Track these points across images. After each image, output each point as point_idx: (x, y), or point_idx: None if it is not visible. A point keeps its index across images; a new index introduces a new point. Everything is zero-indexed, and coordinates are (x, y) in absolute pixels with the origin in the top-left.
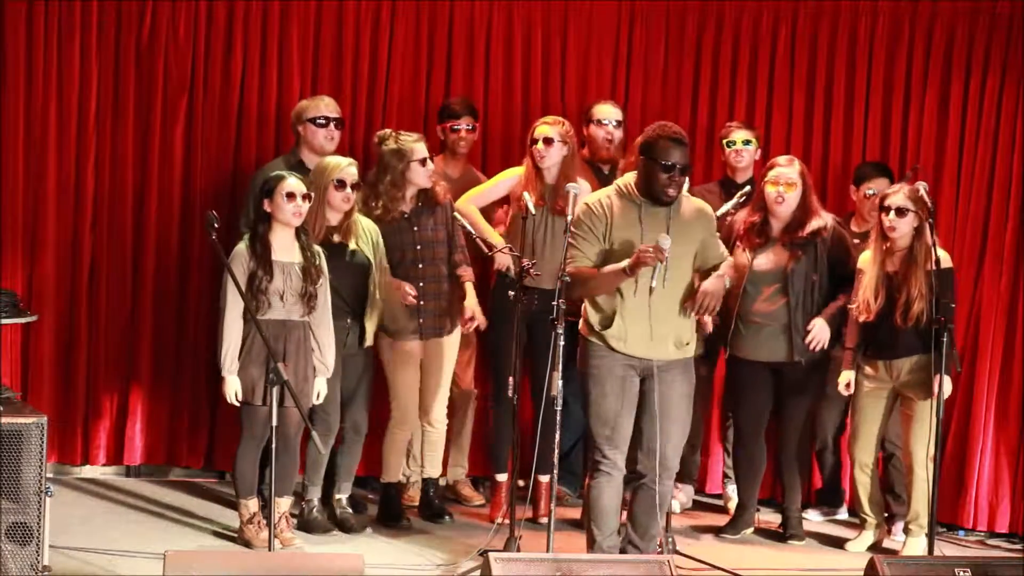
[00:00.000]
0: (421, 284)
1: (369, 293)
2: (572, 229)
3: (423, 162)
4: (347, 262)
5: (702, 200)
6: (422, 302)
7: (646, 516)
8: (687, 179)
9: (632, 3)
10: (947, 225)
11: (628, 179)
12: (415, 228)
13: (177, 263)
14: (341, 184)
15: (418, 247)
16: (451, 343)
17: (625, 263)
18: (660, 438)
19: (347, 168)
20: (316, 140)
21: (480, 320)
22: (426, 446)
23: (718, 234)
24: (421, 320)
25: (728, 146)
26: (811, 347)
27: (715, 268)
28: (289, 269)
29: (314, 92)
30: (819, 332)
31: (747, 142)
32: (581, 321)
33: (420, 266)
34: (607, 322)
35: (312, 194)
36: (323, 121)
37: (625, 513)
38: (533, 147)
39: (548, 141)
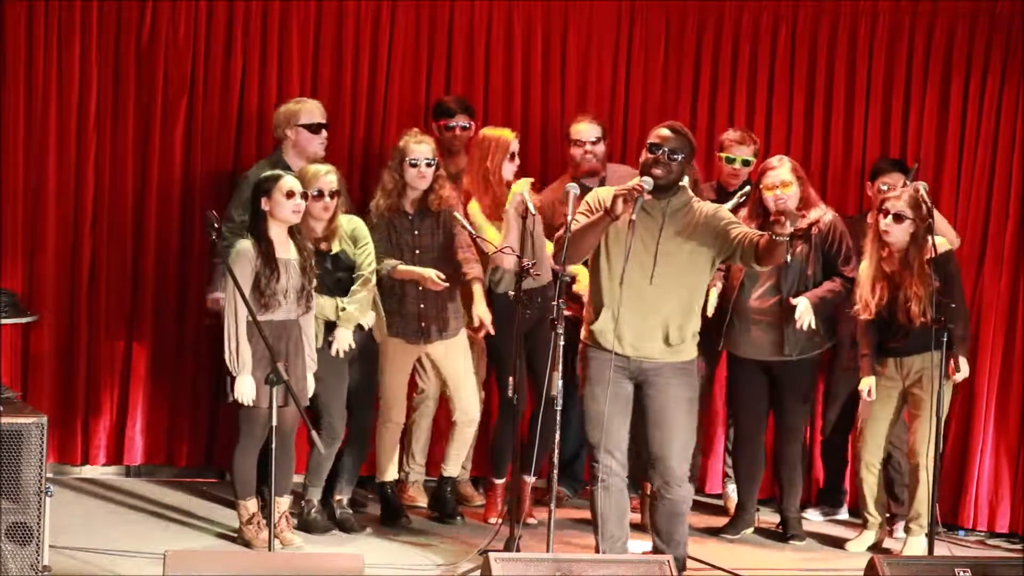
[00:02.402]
0: (420, 288)
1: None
2: (579, 209)
3: (413, 164)
4: (336, 267)
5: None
6: (422, 305)
7: (666, 523)
8: (679, 166)
9: (632, 3)
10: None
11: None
12: (416, 232)
13: (177, 263)
14: (319, 195)
15: (416, 251)
16: (460, 342)
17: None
18: (662, 447)
19: (325, 177)
20: (311, 146)
21: (488, 327)
22: (452, 444)
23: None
24: (423, 323)
25: (727, 162)
26: (797, 324)
27: (760, 244)
28: (289, 266)
29: (314, 92)
30: (803, 311)
31: (746, 162)
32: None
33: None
34: (595, 315)
35: (308, 192)
36: (317, 127)
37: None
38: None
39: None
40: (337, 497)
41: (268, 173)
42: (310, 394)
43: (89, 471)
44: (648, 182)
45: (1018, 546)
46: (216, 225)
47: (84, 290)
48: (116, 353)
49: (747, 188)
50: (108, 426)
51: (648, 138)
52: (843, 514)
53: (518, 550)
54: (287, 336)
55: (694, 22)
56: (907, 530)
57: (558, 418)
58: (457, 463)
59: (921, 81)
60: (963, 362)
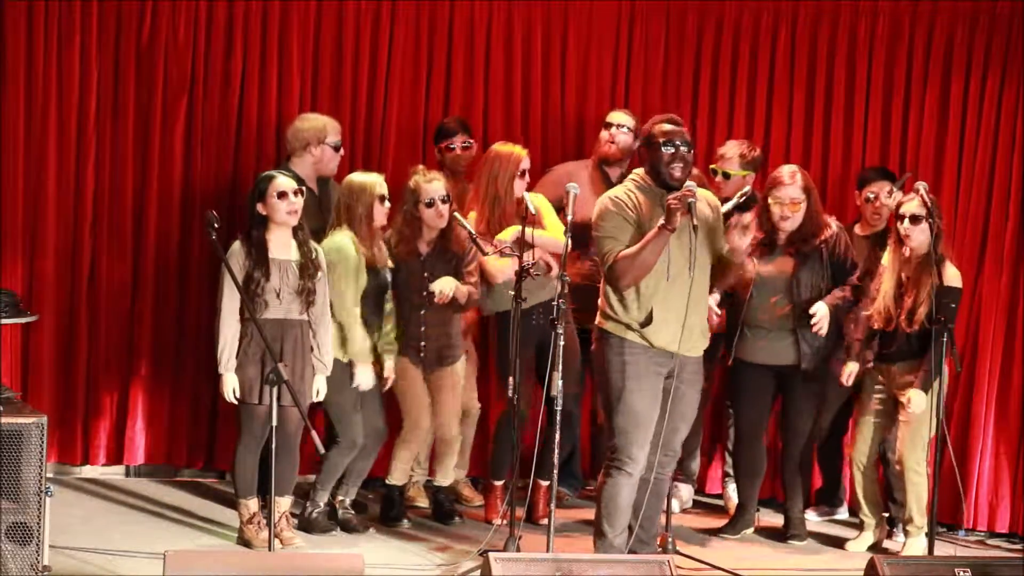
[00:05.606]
0: (423, 328)
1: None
2: (599, 223)
3: (429, 204)
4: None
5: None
6: (424, 333)
7: (652, 509)
8: (693, 155)
9: (632, 3)
10: (947, 225)
11: (641, 172)
12: (426, 275)
13: (177, 263)
14: (382, 199)
15: (424, 293)
16: (457, 370)
17: (660, 222)
18: (674, 437)
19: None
20: (332, 164)
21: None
22: (437, 460)
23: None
24: (423, 355)
25: (711, 173)
26: (814, 330)
27: (721, 260)
28: (286, 266)
29: (314, 94)
30: (822, 316)
31: (726, 175)
32: (600, 317)
33: (422, 312)
34: (647, 319)
35: (304, 189)
36: (339, 146)
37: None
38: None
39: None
40: (340, 498)
41: (263, 174)
42: (319, 397)
43: (89, 471)
44: (693, 186)
45: (1018, 546)
46: (216, 225)
47: (84, 290)
48: (116, 353)
49: (747, 189)
50: (108, 426)
51: (652, 135)
52: (842, 514)
53: (518, 550)
54: (285, 335)
55: (694, 22)
56: (904, 531)
57: (558, 418)
58: (446, 475)
59: (921, 81)
60: (918, 394)
